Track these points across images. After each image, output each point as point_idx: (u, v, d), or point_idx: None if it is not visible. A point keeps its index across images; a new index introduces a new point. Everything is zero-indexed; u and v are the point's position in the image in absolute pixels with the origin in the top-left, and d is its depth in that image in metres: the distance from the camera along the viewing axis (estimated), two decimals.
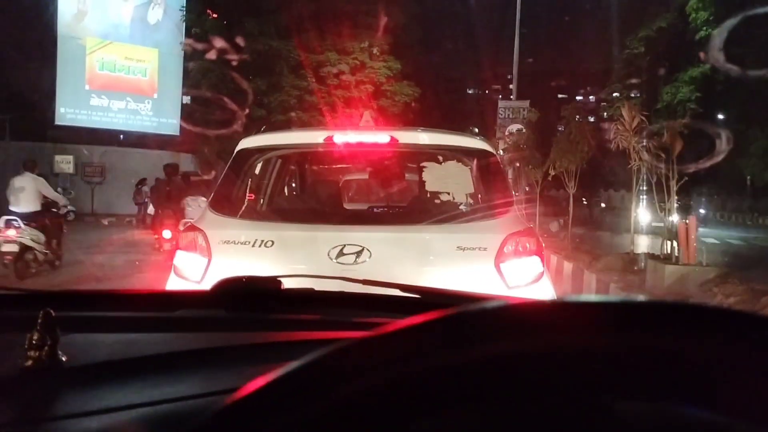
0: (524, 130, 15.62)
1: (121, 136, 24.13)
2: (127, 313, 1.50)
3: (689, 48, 20.43)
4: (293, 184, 5.17)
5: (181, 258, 3.07)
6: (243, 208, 3.49)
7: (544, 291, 2.88)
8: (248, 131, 23.75)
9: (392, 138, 3.36)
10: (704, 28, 18.78)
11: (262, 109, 23.21)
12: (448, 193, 4.67)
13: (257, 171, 4.02)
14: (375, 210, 4.35)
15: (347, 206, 4.81)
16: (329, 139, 3.36)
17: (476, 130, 30.59)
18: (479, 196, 3.73)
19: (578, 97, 52.97)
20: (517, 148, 15.09)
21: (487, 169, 3.46)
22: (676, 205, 7.56)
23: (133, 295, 1.78)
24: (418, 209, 3.93)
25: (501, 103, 17.72)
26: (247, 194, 3.76)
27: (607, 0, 28.78)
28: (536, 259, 2.92)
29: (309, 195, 4.57)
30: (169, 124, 24.12)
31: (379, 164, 4.67)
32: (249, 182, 3.73)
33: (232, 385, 1.14)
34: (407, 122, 24.58)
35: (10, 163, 20.44)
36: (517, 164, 15.19)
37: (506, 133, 16.06)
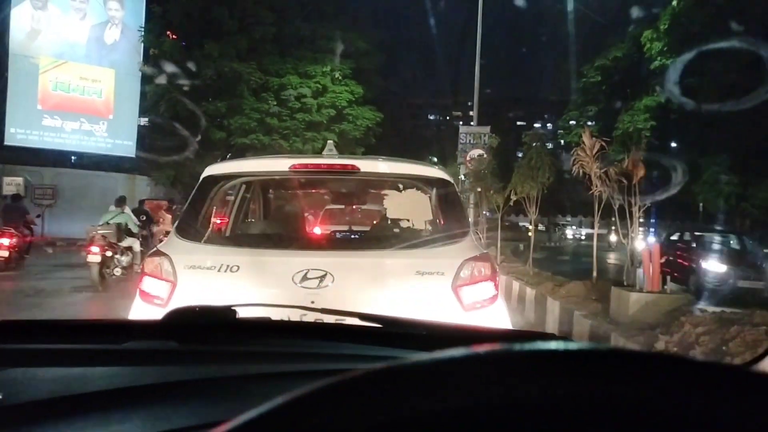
0: (485, 156, 15.67)
1: (73, 158, 23.42)
2: (70, 345, 1.39)
3: (645, 77, 21.00)
4: (258, 210, 5.26)
5: (147, 283, 3.07)
6: (208, 233, 3.53)
7: (499, 313, 3.01)
8: (207, 153, 23.38)
9: (354, 166, 3.45)
10: (659, 58, 19.34)
11: (222, 132, 22.91)
12: (408, 220, 4.90)
13: (222, 197, 4.07)
14: (338, 236, 4.40)
15: (311, 232, 4.88)
16: (294, 166, 3.45)
17: (435, 159, 30.83)
18: (438, 222, 3.82)
19: (536, 125, 54.03)
20: (478, 174, 15.11)
21: (445, 197, 3.55)
22: (639, 231, 7.59)
23: (78, 325, 1.63)
24: (379, 235, 4.12)
25: (462, 129, 17.77)
26: (212, 220, 3.79)
27: (565, 30, 29.50)
28: (490, 283, 3.04)
29: (273, 221, 4.75)
30: (125, 146, 23.53)
31: (341, 192, 4.75)
32: (214, 208, 3.78)
33: (183, 424, 0.98)
34: (369, 146, 24.63)
35: None
36: (479, 189, 15.19)
37: (467, 159, 16.06)
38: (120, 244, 11.07)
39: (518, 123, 58.35)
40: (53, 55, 21.72)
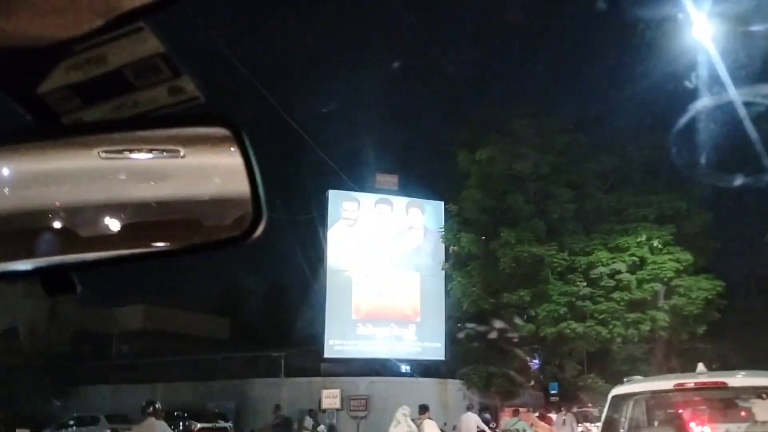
0: None
1: (384, 366, 23.36)
2: None
3: None
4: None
5: None
6: None
7: None
8: (517, 348, 21.18)
9: (723, 383, 4.97)
10: None
11: (530, 324, 20.73)
12: None
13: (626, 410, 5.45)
14: None
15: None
16: (676, 384, 5.22)
17: None
18: None
19: None
20: None
21: None
22: None
23: None
24: None
25: None
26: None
27: None
28: None
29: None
30: (434, 348, 22.82)
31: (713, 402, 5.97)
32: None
33: None
34: (711, 323, 19.94)
35: (285, 399, 20.62)
36: None
37: None
38: None
39: None
40: (363, 266, 22.82)
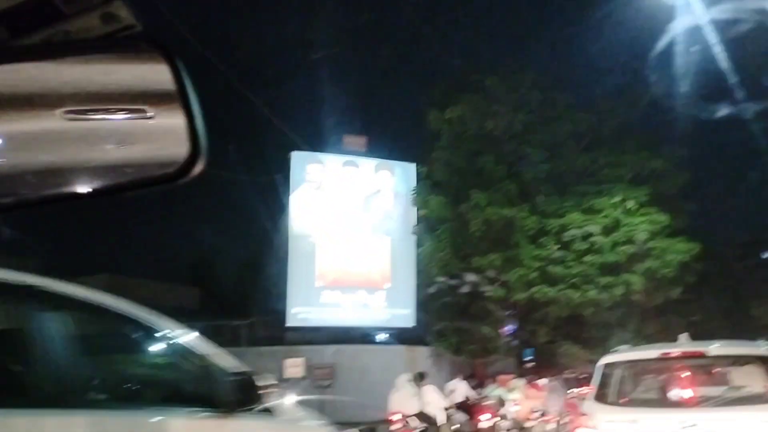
0: None
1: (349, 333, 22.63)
2: None
3: None
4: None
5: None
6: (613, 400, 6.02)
7: None
8: (488, 315, 20.50)
9: (702, 352, 5.96)
10: None
11: (502, 288, 20.00)
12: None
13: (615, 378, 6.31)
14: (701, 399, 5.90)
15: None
16: (664, 354, 6.19)
17: None
18: None
19: None
20: None
21: None
22: None
23: None
24: (729, 397, 5.80)
25: None
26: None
27: None
28: None
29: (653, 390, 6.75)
30: (403, 315, 22.04)
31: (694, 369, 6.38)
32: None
33: None
34: (689, 286, 19.41)
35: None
36: None
37: None
38: None
39: None
40: (328, 231, 21.90)
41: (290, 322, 20.79)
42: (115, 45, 1.27)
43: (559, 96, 20.54)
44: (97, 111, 1.16)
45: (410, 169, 22.90)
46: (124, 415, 2.65)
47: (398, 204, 22.73)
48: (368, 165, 22.79)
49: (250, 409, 3.20)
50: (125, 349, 3.30)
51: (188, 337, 3.26)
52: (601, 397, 5.98)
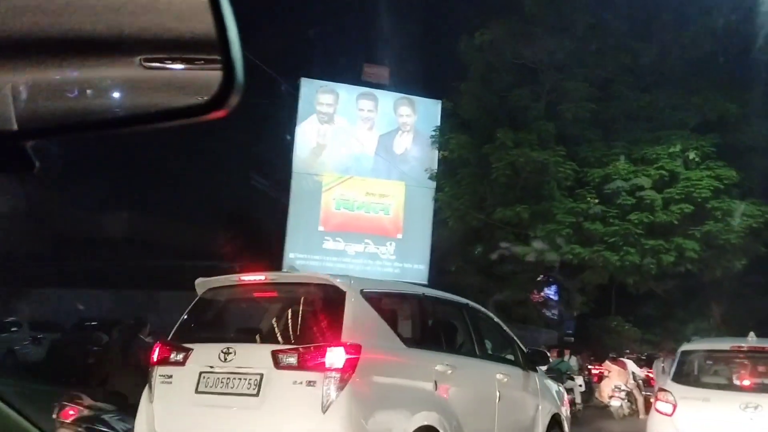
0: None
1: None
2: None
3: None
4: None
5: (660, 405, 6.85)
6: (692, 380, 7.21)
7: None
8: (513, 277, 17.75)
9: (765, 348, 6.94)
10: None
11: (529, 246, 17.12)
12: None
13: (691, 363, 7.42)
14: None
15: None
16: (734, 347, 7.17)
17: None
18: None
19: None
20: None
21: None
22: None
23: None
24: None
25: None
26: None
27: None
28: None
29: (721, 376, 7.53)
30: (415, 270, 19.39)
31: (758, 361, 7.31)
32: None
33: None
34: (759, 257, 16.17)
35: None
36: None
37: None
38: None
39: None
40: (338, 171, 19.40)
41: (286, 269, 18.51)
42: None
43: (613, 21, 17.08)
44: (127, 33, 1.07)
45: (435, 107, 19.89)
46: (491, 364, 5.88)
47: (418, 145, 19.86)
48: (387, 99, 19.93)
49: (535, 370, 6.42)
50: (489, 332, 6.39)
51: (499, 320, 6.66)
52: (678, 377, 6.93)
